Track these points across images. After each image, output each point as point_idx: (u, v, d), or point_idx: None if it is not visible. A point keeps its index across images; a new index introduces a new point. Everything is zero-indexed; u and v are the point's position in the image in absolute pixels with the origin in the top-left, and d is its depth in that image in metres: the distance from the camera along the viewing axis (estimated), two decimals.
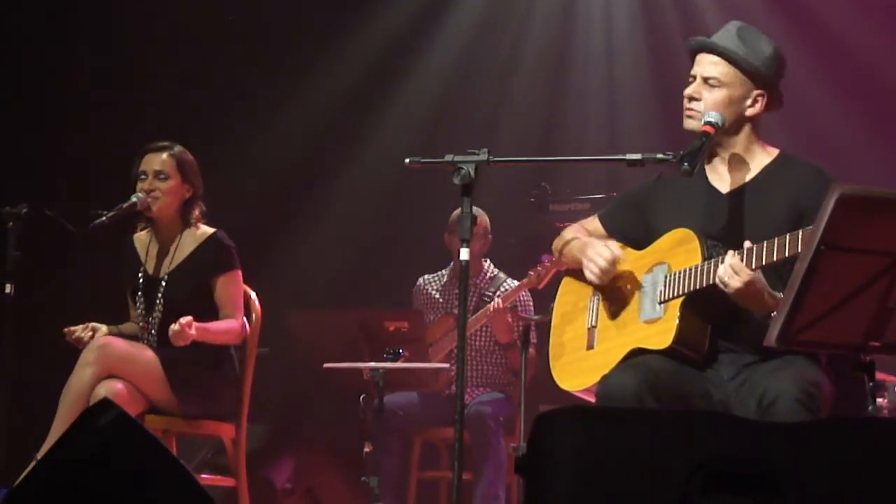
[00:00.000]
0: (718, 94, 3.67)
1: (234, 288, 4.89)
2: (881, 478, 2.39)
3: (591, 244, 3.82)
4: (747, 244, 3.41)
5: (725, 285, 3.40)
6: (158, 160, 4.92)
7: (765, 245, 3.36)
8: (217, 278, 4.85)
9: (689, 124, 3.70)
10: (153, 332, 4.86)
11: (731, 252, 3.42)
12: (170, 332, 4.63)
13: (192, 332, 4.62)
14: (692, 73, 3.73)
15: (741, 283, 3.38)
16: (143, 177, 4.90)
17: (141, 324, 4.90)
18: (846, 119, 6.77)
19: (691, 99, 3.70)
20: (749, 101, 3.69)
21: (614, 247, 3.75)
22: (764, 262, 3.36)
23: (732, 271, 3.38)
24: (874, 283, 2.82)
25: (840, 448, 2.42)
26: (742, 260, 3.38)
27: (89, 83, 7.04)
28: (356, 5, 7.54)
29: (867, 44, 6.71)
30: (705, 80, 3.68)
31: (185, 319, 4.61)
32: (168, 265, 4.91)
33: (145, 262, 4.96)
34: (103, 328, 4.83)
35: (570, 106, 7.50)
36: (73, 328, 4.78)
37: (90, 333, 4.76)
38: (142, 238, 5.03)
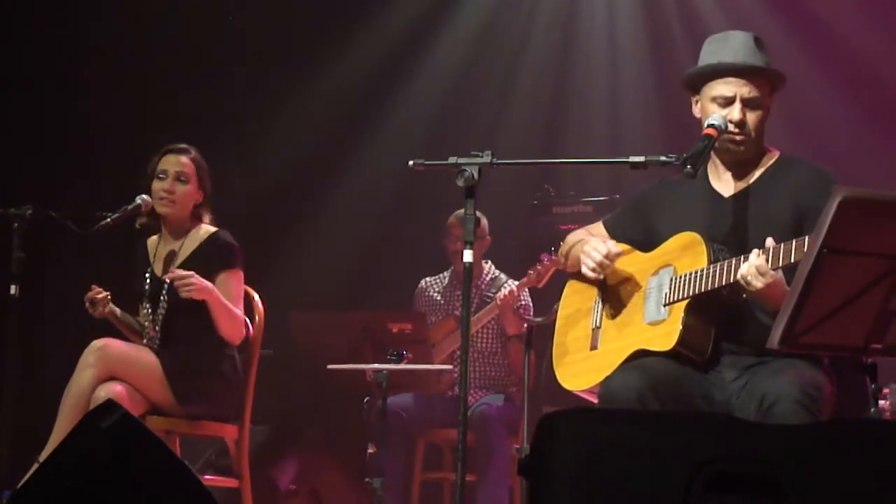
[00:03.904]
0: (758, 114, 3.66)
1: (233, 286, 4.87)
2: (882, 480, 2.40)
3: (588, 241, 3.84)
4: (770, 242, 3.39)
5: (748, 284, 3.39)
6: (180, 162, 4.93)
7: (794, 244, 3.32)
8: (217, 275, 4.83)
9: (739, 148, 3.66)
10: (157, 328, 4.86)
11: (755, 252, 3.39)
12: (175, 279, 4.67)
13: (196, 280, 4.65)
14: (722, 94, 3.65)
15: (764, 284, 3.37)
16: (162, 176, 4.91)
17: (147, 324, 4.91)
18: (849, 121, 6.77)
19: (742, 123, 3.64)
20: (769, 108, 3.70)
21: (611, 244, 3.77)
22: (792, 261, 3.31)
23: (757, 272, 3.37)
24: (876, 286, 2.82)
25: (841, 450, 2.43)
26: (767, 260, 3.37)
27: (93, 84, 7.05)
28: (359, 7, 7.55)
29: (871, 46, 6.70)
30: (746, 102, 3.64)
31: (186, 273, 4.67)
32: (173, 265, 4.92)
33: (153, 264, 4.98)
34: (112, 307, 4.83)
35: (572, 108, 7.51)
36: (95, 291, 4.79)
37: (104, 295, 4.76)
38: (153, 241, 5.06)
